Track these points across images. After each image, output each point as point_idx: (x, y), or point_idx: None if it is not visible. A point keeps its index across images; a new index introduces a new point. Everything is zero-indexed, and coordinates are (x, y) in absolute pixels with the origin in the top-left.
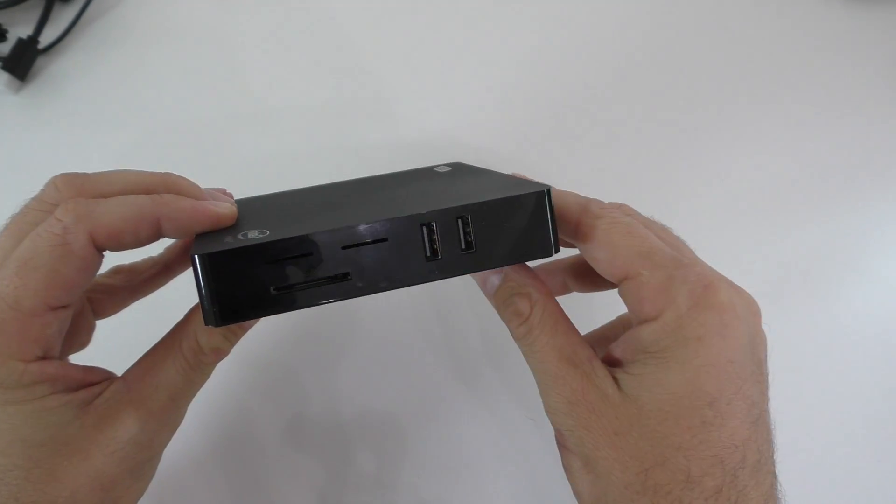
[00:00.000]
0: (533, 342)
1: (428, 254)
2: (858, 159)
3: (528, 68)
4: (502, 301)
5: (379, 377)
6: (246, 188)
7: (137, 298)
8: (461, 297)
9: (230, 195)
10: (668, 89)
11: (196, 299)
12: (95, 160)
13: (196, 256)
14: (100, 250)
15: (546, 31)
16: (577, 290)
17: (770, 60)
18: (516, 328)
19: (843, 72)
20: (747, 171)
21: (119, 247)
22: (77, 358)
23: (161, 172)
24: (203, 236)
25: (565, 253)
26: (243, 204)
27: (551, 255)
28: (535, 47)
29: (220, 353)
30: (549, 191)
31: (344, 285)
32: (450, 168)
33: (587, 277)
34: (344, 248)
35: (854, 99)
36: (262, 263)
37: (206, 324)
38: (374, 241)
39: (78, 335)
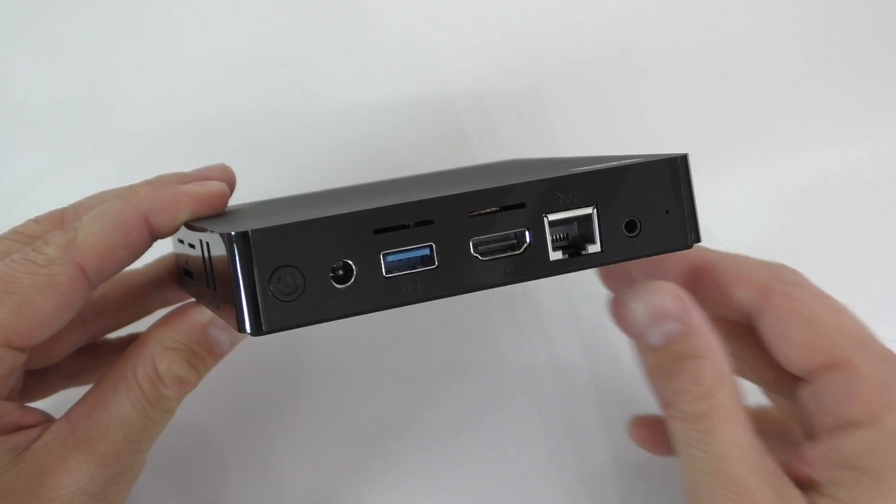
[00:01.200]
0: (711, 431)
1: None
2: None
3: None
4: (673, 358)
5: (380, 375)
6: (246, 190)
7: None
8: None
9: (229, 171)
10: (676, 90)
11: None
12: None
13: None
14: (92, 281)
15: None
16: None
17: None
18: (688, 403)
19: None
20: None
21: (113, 266)
22: None
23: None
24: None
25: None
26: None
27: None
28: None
29: (184, 385)
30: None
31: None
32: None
33: (755, 362)
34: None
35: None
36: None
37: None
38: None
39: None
